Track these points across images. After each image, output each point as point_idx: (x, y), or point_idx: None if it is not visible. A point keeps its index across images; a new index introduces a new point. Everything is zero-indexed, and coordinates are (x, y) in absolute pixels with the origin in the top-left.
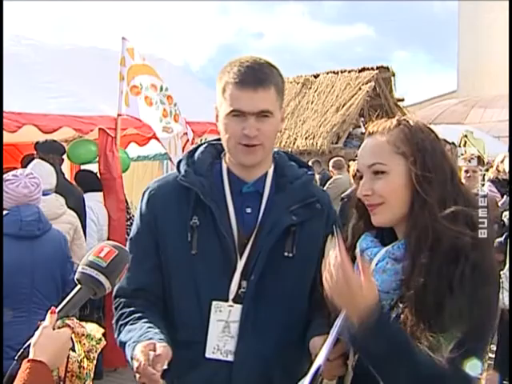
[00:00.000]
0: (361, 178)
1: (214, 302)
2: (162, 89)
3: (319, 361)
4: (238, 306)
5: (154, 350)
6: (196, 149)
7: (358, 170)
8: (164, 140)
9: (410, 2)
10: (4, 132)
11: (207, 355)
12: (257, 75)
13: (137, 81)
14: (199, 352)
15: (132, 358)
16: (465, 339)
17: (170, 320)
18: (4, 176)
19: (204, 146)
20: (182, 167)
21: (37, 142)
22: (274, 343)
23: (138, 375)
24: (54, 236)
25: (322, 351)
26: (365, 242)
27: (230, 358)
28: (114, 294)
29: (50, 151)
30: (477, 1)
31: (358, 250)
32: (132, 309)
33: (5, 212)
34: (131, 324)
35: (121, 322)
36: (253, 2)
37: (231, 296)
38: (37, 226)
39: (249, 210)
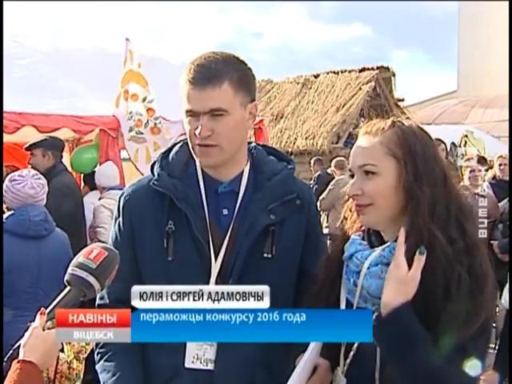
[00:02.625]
0: (352, 176)
1: None
2: (144, 100)
3: None
4: None
5: None
6: (171, 148)
7: (349, 170)
8: (130, 148)
9: (407, 2)
10: (4, 132)
11: (186, 365)
12: (205, 73)
13: (129, 87)
14: (179, 360)
15: None
16: (462, 344)
17: None
18: (9, 176)
19: (179, 145)
20: (156, 170)
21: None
22: (256, 346)
23: None
24: (58, 236)
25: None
26: (353, 246)
27: (211, 366)
28: (96, 303)
29: (54, 147)
30: (477, 1)
31: (345, 255)
32: None
33: (10, 212)
34: (107, 360)
35: (99, 350)
36: (252, 1)
37: None
38: (44, 226)
39: (225, 212)
